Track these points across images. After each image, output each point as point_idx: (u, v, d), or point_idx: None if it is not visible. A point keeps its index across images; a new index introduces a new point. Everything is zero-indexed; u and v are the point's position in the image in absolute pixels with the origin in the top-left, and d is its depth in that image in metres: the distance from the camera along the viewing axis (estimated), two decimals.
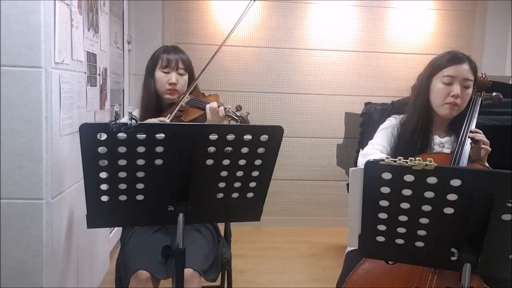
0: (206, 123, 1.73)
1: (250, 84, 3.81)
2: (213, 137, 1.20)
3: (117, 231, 3.09)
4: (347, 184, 1.91)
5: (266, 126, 1.24)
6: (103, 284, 2.53)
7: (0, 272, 1.70)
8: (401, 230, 1.10)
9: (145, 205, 1.27)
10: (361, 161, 1.61)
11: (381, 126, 1.75)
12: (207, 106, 1.73)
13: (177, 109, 1.80)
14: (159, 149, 1.18)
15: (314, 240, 3.59)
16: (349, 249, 1.70)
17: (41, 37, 1.65)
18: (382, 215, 1.09)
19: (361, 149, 1.68)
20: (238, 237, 2.83)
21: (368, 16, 3.84)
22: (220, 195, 1.31)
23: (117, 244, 3.07)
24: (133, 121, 1.10)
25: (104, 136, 1.13)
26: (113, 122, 1.10)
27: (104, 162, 1.16)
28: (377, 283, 1.43)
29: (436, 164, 0.99)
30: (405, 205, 1.06)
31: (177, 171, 1.23)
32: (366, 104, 2.53)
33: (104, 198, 1.22)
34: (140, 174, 1.21)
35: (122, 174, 1.19)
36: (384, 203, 1.07)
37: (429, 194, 1.03)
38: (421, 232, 1.09)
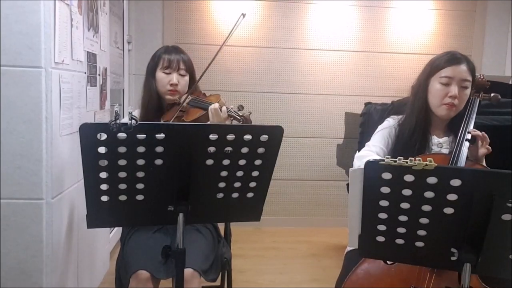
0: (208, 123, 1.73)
1: (250, 84, 3.81)
2: (213, 137, 1.20)
3: (117, 231, 3.09)
4: (347, 184, 1.91)
5: (266, 126, 1.24)
6: (103, 284, 2.53)
7: (0, 272, 1.70)
8: (401, 230, 1.10)
9: (145, 205, 1.27)
10: (357, 163, 1.62)
11: (379, 127, 1.75)
12: (210, 107, 1.73)
13: (179, 109, 1.80)
14: (159, 149, 1.18)
15: (314, 240, 3.59)
16: (348, 249, 1.70)
17: (41, 37, 1.65)
18: (382, 215, 1.09)
19: (357, 151, 1.68)
20: (238, 237, 2.83)
21: (368, 16, 3.84)
22: (220, 195, 1.31)
23: (117, 244, 3.07)
24: (133, 121, 1.10)
25: (104, 136, 1.13)
26: (113, 122, 1.10)
27: (104, 162, 1.16)
28: (375, 283, 1.43)
29: (436, 164, 0.99)
30: (405, 205, 1.06)
31: (177, 171, 1.23)
32: (366, 104, 2.53)
33: (104, 198, 1.22)
34: (140, 174, 1.21)
35: (122, 174, 1.19)
36: (384, 203, 1.07)
37: (429, 194, 1.03)
38: (421, 232, 1.09)
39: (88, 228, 1.27)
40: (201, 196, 1.30)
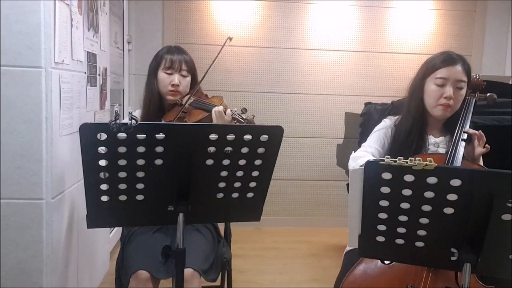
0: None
1: (250, 84, 3.81)
2: (213, 137, 1.20)
3: (117, 231, 3.09)
4: (347, 184, 1.92)
5: (266, 126, 1.24)
6: (103, 284, 2.53)
7: (0, 272, 1.70)
8: (401, 230, 1.10)
9: (145, 205, 1.27)
10: (351, 164, 1.62)
11: (375, 128, 1.76)
12: (214, 109, 1.73)
13: (181, 110, 1.80)
14: (159, 149, 1.18)
15: (314, 240, 3.59)
16: (348, 248, 1.70)
17: (41, 37, 1.65)
18: (382, 215, 1.09)
19: (353, 152, 1.68)
20: (238, 237, 2.83)
21: (368, 16, 3.84)
22: (220, 195, 1.31)
23: (117, 244, 3.07)
24: (133, 121, 1.11)
25: (104, 136, 1.13)
26: (113, 122, 1.10)
27: (104, 162, 1.16)
28: (373, 283, 1.44)
29: (436, 164, 0.99)
30: (405, 205, 1.06)
31: (177, 171, 1.23)
32: (366, 104, 2.53)
33: (104, 198, 1.22)
34: (140, 174, 1.21)
35: (122, 174, 1.19)
36: (384, 203, 1.07)
37: (429, 194, 1.03)
38: (421, 232, 1.09)
39: (88, 228, 1.27)
40: (201, 196, 1.30)
